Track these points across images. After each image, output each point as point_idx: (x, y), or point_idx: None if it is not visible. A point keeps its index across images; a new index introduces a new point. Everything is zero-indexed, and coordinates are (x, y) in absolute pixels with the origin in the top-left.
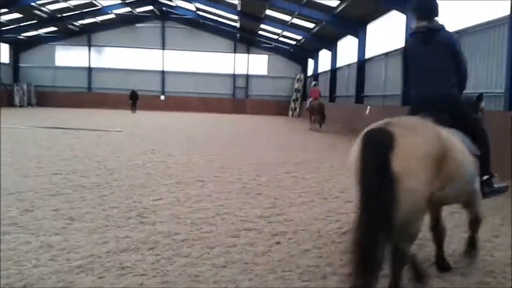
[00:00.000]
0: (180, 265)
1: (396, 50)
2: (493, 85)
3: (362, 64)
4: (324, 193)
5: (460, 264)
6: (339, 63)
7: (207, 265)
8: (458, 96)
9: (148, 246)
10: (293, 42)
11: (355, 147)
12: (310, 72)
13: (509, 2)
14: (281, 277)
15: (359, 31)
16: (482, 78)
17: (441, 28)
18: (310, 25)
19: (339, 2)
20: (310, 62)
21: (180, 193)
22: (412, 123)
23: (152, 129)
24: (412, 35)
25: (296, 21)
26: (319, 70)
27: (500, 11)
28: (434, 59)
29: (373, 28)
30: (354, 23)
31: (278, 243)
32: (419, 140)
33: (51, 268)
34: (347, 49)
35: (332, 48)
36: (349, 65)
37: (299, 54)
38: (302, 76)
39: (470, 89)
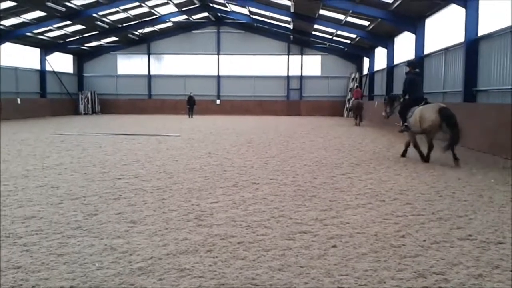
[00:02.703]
0: (236, 267)
1: (456, 45)
2: None
3: (420, 60)
4: (381, 195)
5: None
6: (396, 60)
7: (263, 268)
8: None
9: (205, 248)
10: (348, 41)
11: (429, 112)
12: (365, 70)
13: None
14: (337, 281)
15: (416, 27)
16: None
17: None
18: (365, 23)
19: None
20: (366, 60)
21: (236, 195)
22: (436, 105)
23: (208, 133)
24: (409, 73)
25: (350, 19)
26: (375, 68)
27: None
28: (420, 82)
29: (431, 23)
30: (411, 18)
31: (334, 246)
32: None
33: (114, 270)
34: (404, 46)
35: (389, 45)
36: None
37: (354, 53)
38: (357, 75)
39: None
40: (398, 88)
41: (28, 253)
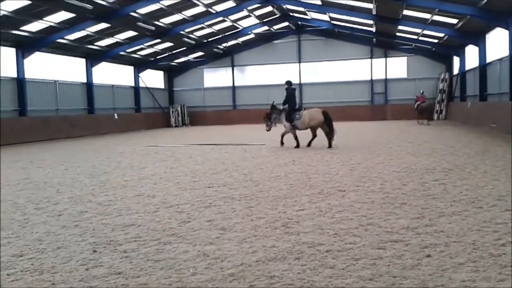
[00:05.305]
0: (325, 276)
1: None
2: None
3: None
4: (478, 201)
5: None
6: (489, 58)
7: (353, 277)
8: None
9: (294, 256)
10: (435, 40)
11: (317, 114)
12: (456, 70)
13: None
14: None
15: (509, 22)
16: None
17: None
18: (453, 21)
19: None
20: (456, 59)
21: (322, 203)
22: (319, 109)
23: (292, 140)
24: (288, 89)
25: (437, 18)
26: (467, 67)
27: None
28: (295, 95)
29: None
30: (503, 14)
31: (428, 256)
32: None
33: (207, 276)
34: (498, 42)
35: (480, 42)
36: (500, 59)
37: (443, 52)
38: (447, 76)
39: None
40: (491, 88)
41: (128, 259)
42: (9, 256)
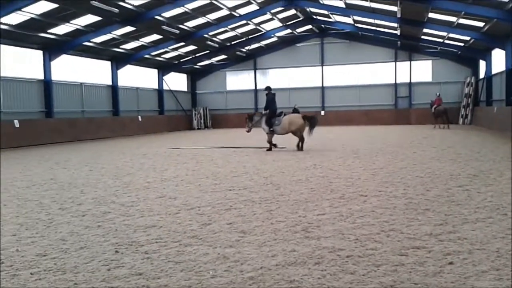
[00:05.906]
0: (346, 281)
1: None
2: None
3: None
4: (503, 208)
5: None
6: None
7: (374, 283)
8: None
9: (314, 260)
10: (461, 44)
11: (297, 119)
12: (482, 74)
13: None
14: None
15: None
16: None
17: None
18: (479, 24)
19: None
20: (482, 63)
21: (343, 208)
22: (299, 114)
23: (313, 144)
24: (269, 94)
25: (463, 21)
26: (493, 71)
27: None
28: (275, 100)
29: None
30: None
31: (451, 263)
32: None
33: (227, 278)
34: None
35: (507, 46)
36: None
37: (468, 56)
38: (473, 80)
39: None
40: None
41: (149, 260)
42: (33, 256)
